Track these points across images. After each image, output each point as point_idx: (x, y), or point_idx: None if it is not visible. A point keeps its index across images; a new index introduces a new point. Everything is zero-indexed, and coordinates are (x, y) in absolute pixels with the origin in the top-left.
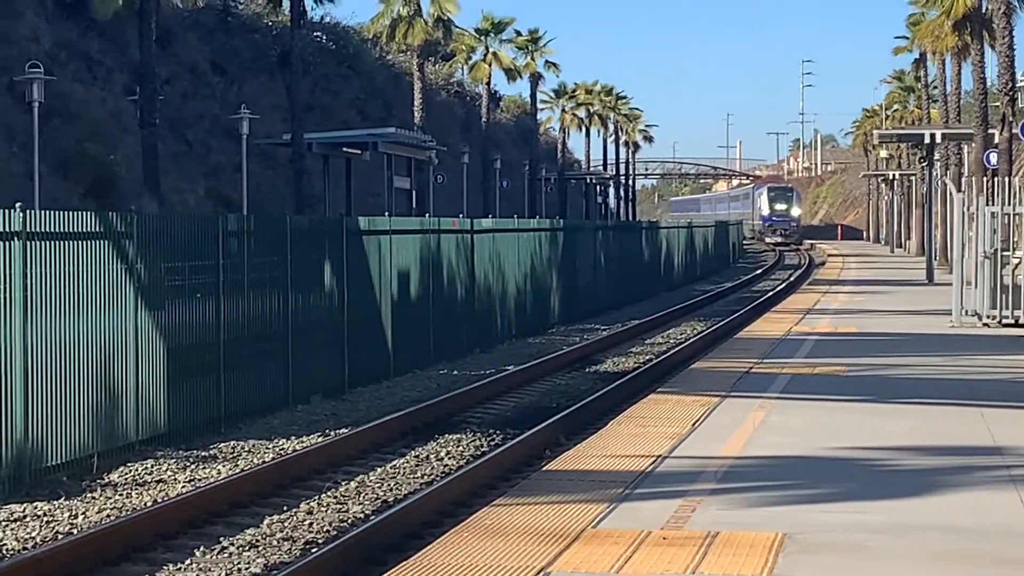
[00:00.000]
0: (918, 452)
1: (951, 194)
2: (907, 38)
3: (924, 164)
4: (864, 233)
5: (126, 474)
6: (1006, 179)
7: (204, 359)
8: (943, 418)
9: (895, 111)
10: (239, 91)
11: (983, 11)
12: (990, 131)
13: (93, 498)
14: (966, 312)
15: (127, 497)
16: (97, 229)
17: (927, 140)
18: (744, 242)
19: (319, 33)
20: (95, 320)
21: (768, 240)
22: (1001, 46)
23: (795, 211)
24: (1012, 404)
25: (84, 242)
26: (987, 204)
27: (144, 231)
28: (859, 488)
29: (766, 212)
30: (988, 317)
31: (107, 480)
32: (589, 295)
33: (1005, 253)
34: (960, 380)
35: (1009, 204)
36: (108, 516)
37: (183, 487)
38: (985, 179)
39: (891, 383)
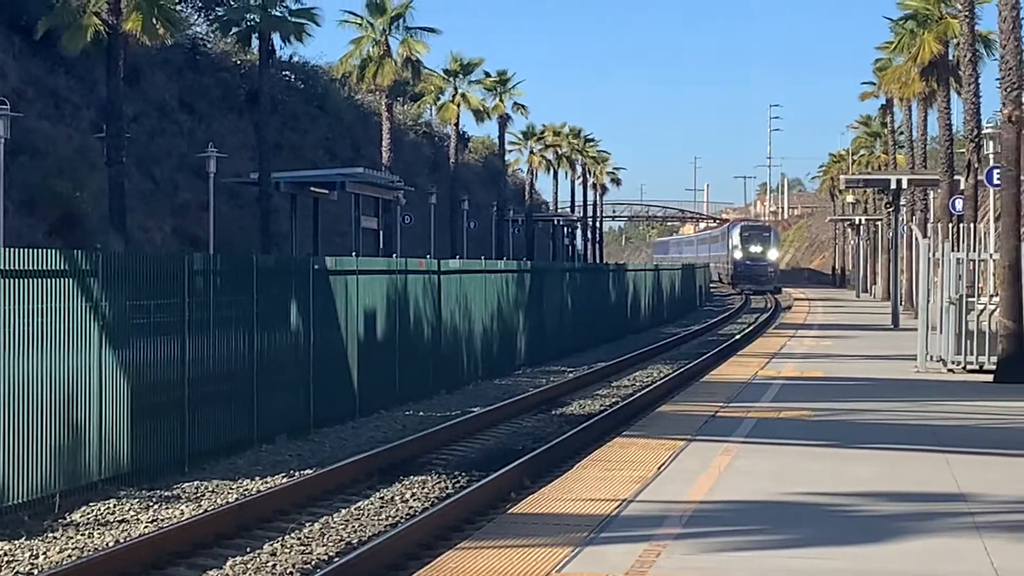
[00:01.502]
0: (883, 498)
1: (917, 240)
2: (874, 84)
3: (890, 209)
4: (831, 277)
5: (88, 514)
6: (971, 225)
7: (169, 398)
8: (908, 464)
9: (861, 156)
10: (207, 129)
11: (950, 58)
12: (956, 177)
13: (54, 538)
14: (931, 357)
15: (89, 537)
16: (62, 267)
17: (893, 186)
18: (711, 286)
19: (288, 72)
20: (59, 358)
21: (740, 288)
22: (967, 93)
23: (772, 254)
24: (976, 450)
25: (49, 280)
26: (952, 250)
27: (109, 269)
28: (824, 534)
29: (739, 255)
30: (953, 363)
31: (69, 520)
32: (556, 337)
33: (970, 299)
34: (925, 426)
35: (974, 250)
36: (69, 556)
37: (145, 527)
38: (951, 225)
39: (857, 428)
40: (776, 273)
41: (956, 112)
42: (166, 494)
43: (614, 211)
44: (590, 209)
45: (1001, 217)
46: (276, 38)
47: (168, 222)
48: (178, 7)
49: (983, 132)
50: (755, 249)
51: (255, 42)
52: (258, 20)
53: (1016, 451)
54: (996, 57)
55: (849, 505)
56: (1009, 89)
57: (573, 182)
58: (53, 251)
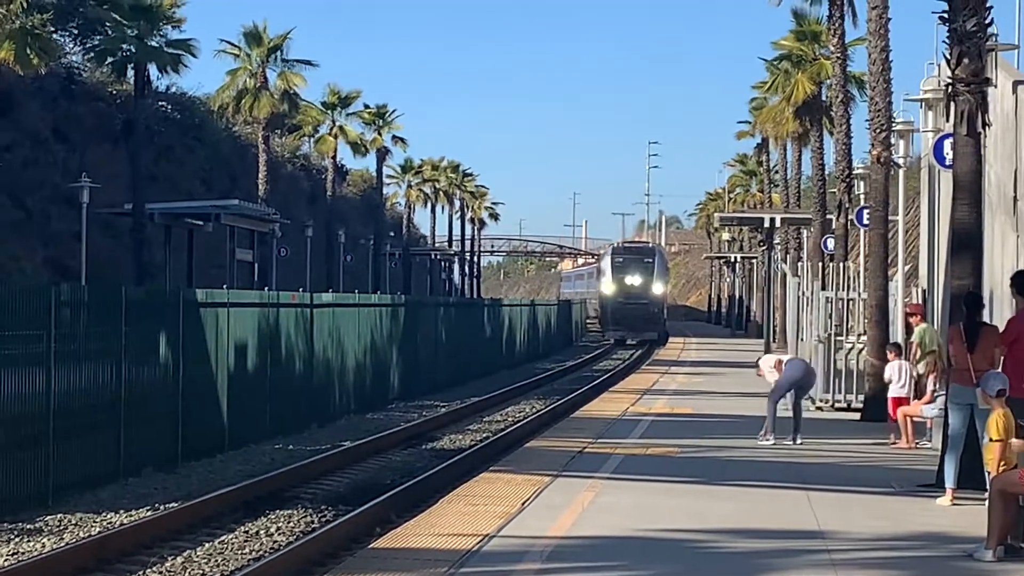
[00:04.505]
0: (743, 535)
1: (788, 279)
2: (750, 123)
3: (764, 248)
4: (707, 314)
5: None
6: (841, 264)
7: (33, 430)
8: (770, 501)
9: (737, 194)
10: (81, 159)
11: (823, 99)
12: (828, 216)
13: None
14: None
15: None
16: None
17: (767, 224)
18: (589, 321)
19: (164, 103)
20: None
21: (614, 337)
22: (839, 133)
23: (657, 288)
24: (837, 488)
25: None
26: (822, 289)
27: None
28: (682, 570)
29: (609, 290)
30: (821, 401)
31: None
32: (430, 371)
33: (839, 338)
34: (789, 463)
35: (843, 289)
36: None
37: (5, 561)
38: (822, 264)
39: (722, 465)
40: (662, 314)
41: (828, 152)
42: (28, 527)
43: (492, 246)
44: (468, 244)
45: (869, 257)
46: (152, 68)
47: (40, 252)
48: (53, 36)
49: (854, 172)
50: (633, 281)
51: (131, 72)
52: (134, 50)
53: (876, 489)
54: (867, 99)
55: (710, 542)
56: (878, 131)
57: (451, 216)
58: None
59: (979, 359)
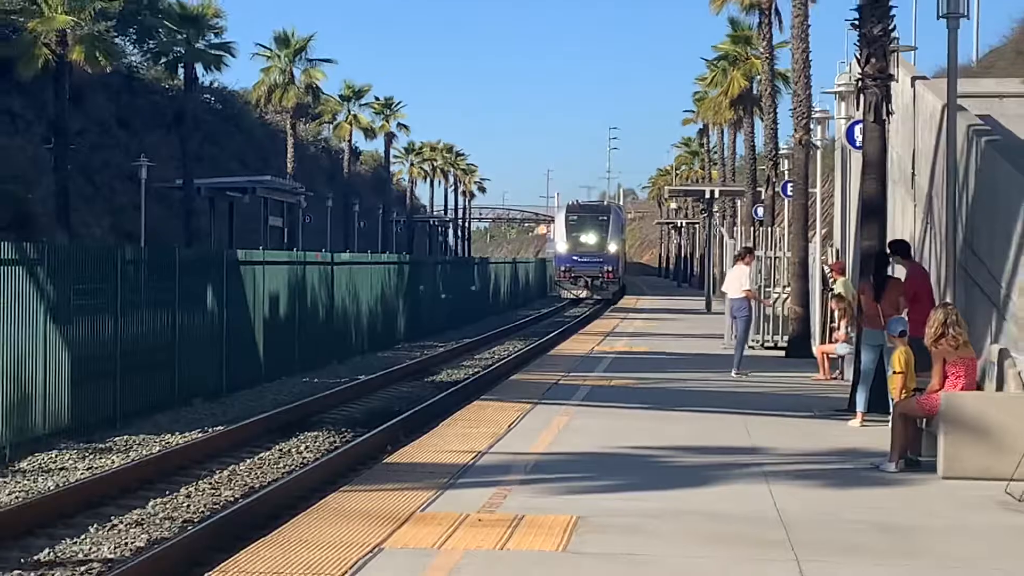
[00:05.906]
0: (693, 451)
1: (725, 240)
2: (693, 111)
3: (705, 215)
4: (657, 271)
5: (34, 462)
6: (769, 229)
7: (103, 366)
8: (713, 423)
9: (683, 170)
10: (140, 142)
11: (754, 92)
12: (758, 189)
13: (4, 482)
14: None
15: (34, 482)
16: (13, 256)
17: (707, 195)
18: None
19: (208, 95)
20: (10, 333)
21: (570, 294)
22: (767, 120)
23: (612, 246)
24: (767, 412)
25: (1, 267)
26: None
27: (53, 259)
28: (642, 480)
29: (564, 248)
30: (753, 340)
31: (17, 467)
32: (430, 317)
33: (767, 289)
34: (728, 392)
35: (771, 249)
36: (17, 498)
37: (82, 474)
38: (752, 228)
39: (673, 394)
40: (617, 271)
41: (759, 135)
42: (100, 446)
43: (480, 213)
44: (460, 212)
45: (792, 222)
46: (198, 67)
47: (106, 220)
48: (116, 40)
49: (780, 152)
50: (588, 239)
51: (181, 70)
52: (183, 52)
53: (799, 413)
54: (791, 91)
55: (664, 456)
56: (800, 118)
57: (446, 189)
58: (6, 243)
59: (887, 306)
